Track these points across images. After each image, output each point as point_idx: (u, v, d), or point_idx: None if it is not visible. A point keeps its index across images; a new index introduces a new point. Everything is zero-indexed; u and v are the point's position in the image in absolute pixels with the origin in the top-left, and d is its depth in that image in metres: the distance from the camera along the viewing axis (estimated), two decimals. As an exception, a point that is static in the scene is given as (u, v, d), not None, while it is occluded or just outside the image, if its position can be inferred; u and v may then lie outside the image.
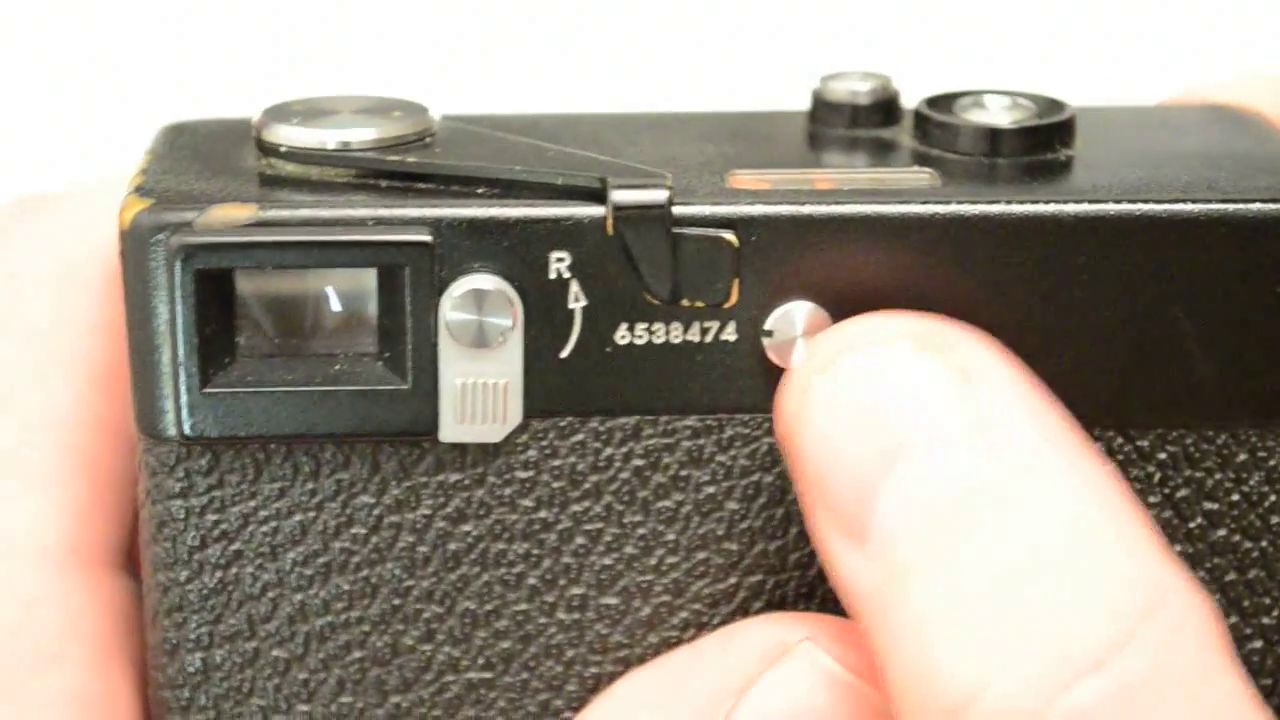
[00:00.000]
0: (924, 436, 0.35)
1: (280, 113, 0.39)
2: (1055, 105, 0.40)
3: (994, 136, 0.39)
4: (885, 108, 0.41)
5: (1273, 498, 0.39)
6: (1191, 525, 0.39)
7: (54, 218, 0.43)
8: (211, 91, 0.67)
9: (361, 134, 0.38)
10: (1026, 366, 0.36)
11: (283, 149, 0.38)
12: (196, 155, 0.40)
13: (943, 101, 0.41)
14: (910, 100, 0.41)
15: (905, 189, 0.38)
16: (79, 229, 0.42)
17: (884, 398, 0.35)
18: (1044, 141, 0.39)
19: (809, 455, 0.36)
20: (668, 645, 0.40)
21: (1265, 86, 0.44)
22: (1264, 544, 0.39)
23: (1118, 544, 0.34)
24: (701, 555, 0.39)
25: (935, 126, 0.40)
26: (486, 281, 0.37)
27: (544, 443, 0.38)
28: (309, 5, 0.67)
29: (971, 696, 0.33)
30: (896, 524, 0.35)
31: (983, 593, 0.34)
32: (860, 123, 0.41)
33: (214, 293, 0.37)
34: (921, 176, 0.39)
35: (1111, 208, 0.37)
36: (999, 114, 0.40)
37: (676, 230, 0.37)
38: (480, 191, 0.38)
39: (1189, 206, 0.37)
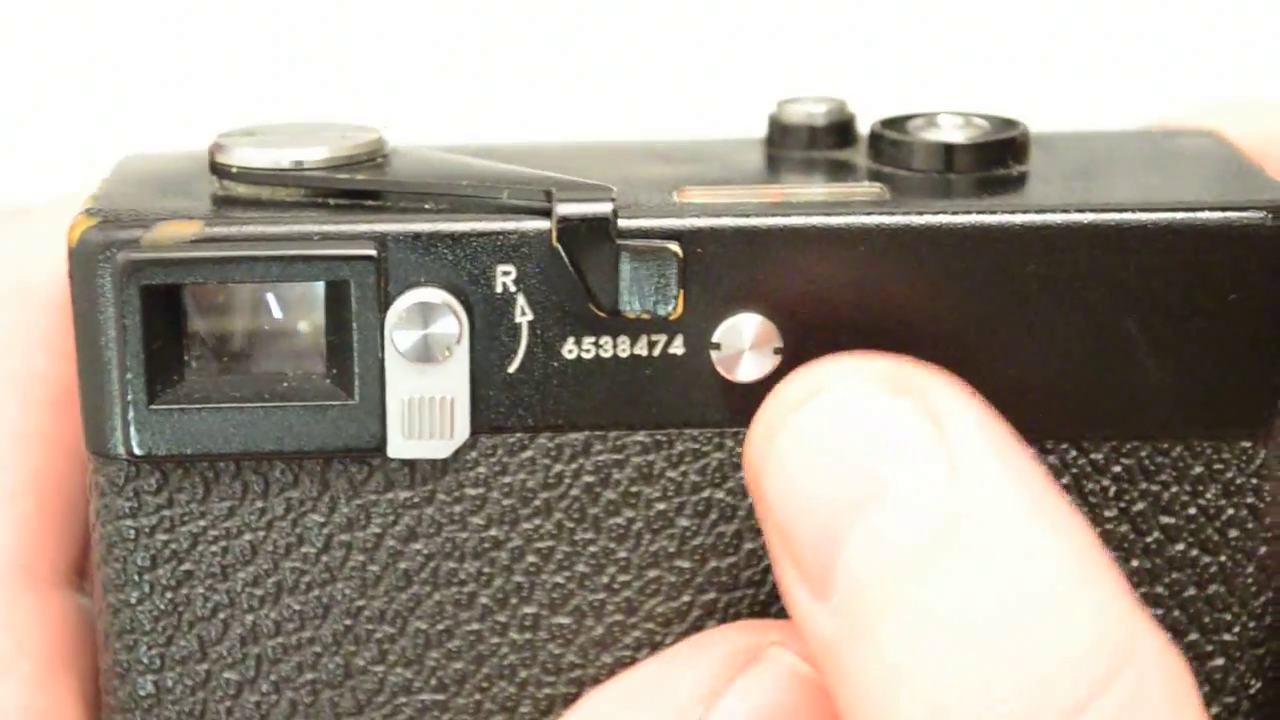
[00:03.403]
0: (890, 484, 0.34)
1: (234, 136, 0.39)
2: (1008, 123, 0.40)
3: (947, 152, 0.39)
4: (841, 129, 0.41)
5: (1230, 511, 0.39)
6: (1149, 539, 0.39)
7: (11, 236, 0.43)
8: (211, 92, 0.67)
9: (313, 153, 0.38)
10: (993, 410, 0.35)
11: (235, 169, 0.38)
12: (150, 180, 0.40)
13: (897, 122, 0.41)
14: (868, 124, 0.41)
15: (853, 201, 0.38)
16: (36, 247, 0.42)
17: (853, 442, 0.34)
18: (996, 157, 0.39)
19: (775, 501, 0.35)
20: (621, 665, 0.39)
21: (1242, 111, 0.44)
22: (1223, 558, 0.39)
23: (1089, 594, 0.33)
24: (653, 573, 0.39)
25: (889, 145, 0.40)
26: (432, 295, 0.37)
27: (493, 459, 0.38)
28: (309, 6, 0.67)
29: None
30: (862, 573, 0.33)
31: (952, 644, 0.32)
32: (816, 144, 0.41)
33: (161, 309, 0.37)
34: (872, 189, 0.38)
35: (1060, 217, 0.37)
36: (952, 132, 0.40)
37: (621, 243, 0.37)
38: (427, 207, 0.38)
39: (1139, 216, 0.37)
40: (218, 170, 0.39)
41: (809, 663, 0.37)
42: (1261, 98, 0.48)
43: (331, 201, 0.38)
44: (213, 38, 0.67)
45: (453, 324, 0.37)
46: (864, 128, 0.42)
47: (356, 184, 0.38)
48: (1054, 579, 0.33)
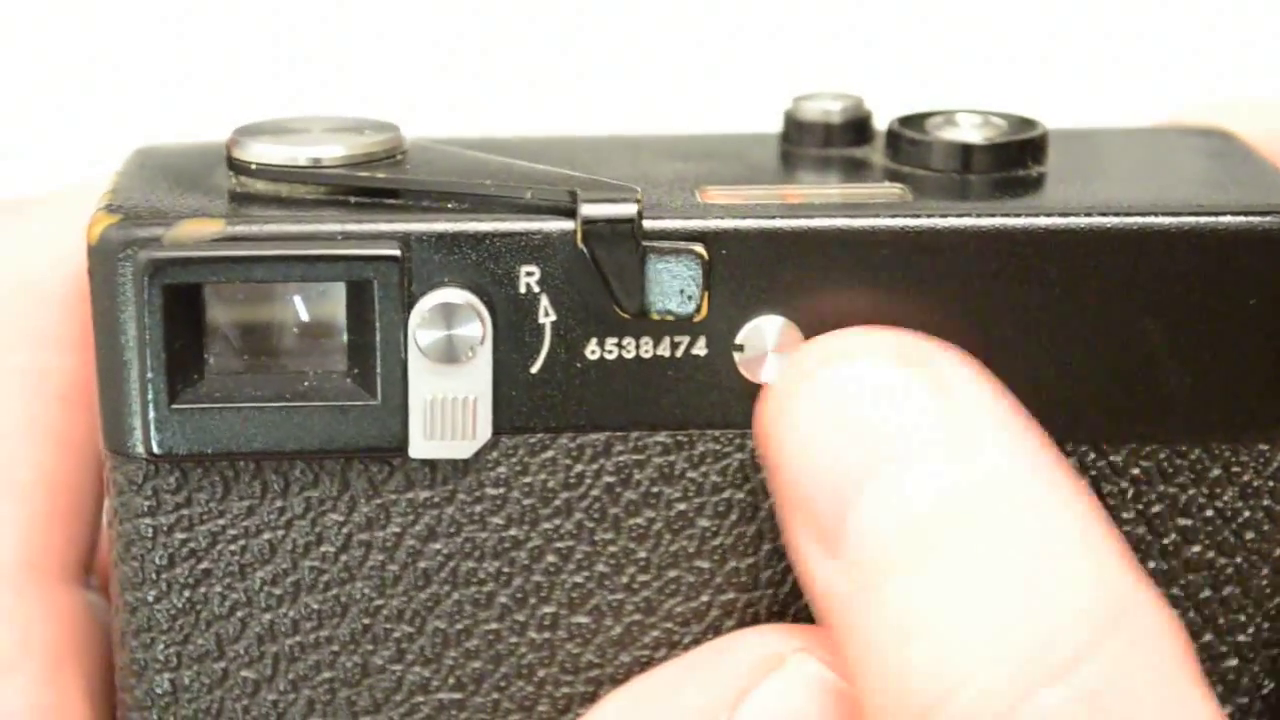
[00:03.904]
0: (902, 449, 0.35)
1: (251, 131, 0.39)
2: (1027, 123, 0.40)
3: (966, 152, 0.39)
4: (857, 127, 0.41)
5: (1246, 513, 0.39)
6: (1165, 541, 0.39)
7: (14, 229, 0.43)
8: (212, 92, 0.67)
9: (332, 151, 0.38)
10: (1000, 382, 0.36)
11: (253, 166, 0.38)
12: (166, 174, 0.40)
13: (915, 120, 0.41)
14: (883, 122, 0.41)
15: (876, 203, 0.38)
16: (40, 241, 0.42)
17: (864, 409, 0.35)
18: (1015, 158, 0.39)
19: (788, 463, 0.36)
20: (639, 665, 0.39)
21: (1249, 111, 0.44)
22: (1238, 560, 0.39)
23: (1084, 557, 0.34)
24: (673, 573, 0.39)
25: (907, 144, 0.40)
26: (456, 296, 0.37)
27: (514, 459, 0.38)
28: (309, 6, 0.67)
29: (943, 697, 0.34)
30: (872, 533, 0.35)
31: (954, 600, 0.34)
32: (833, 142, 0.41)
33: (182, 308, 0.37)
34: (893, 191, 0.38)
35: (1082, 221, 0.37)
36: (970, 131, 0.40)
37: (646, 244, 0.37)
38: (450, 206, 0.38)
39: (1160, 220, 0.37)
40: (235, 166, 0.38)
41: (835, 670, 0.37)
42: (1268, 96, 0.48)
43: (352, 199, 0.38)
44: (213, 37, 0.67)
45: (476, 325, 0.37)
46: (877, 124, 0.42)
47: (377, 182, 0.38)
48: (1051, 544, 0.34)
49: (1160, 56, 0.67)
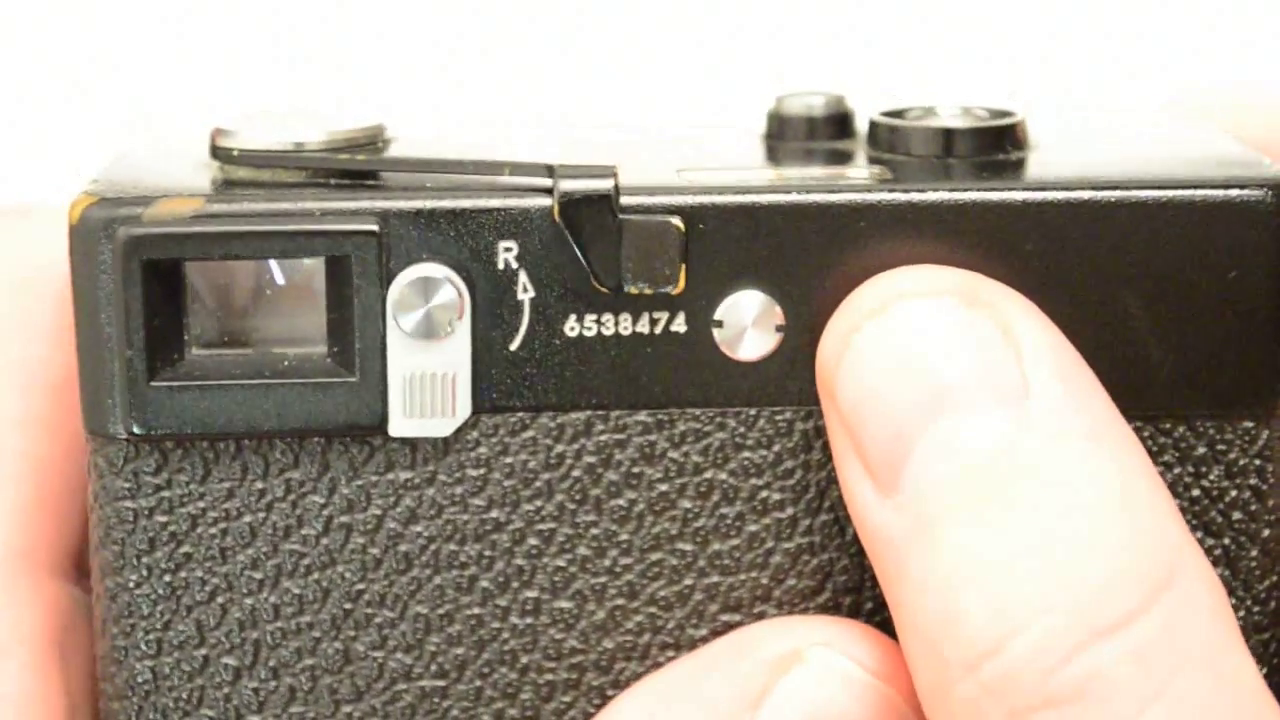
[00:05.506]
0: (965, 393, 0.35)
1: (234, 120, 0.39)
2: (1005, 113, 0.40)
3: (946, 137, 0.39)
4: (840, 121, 0.42)
5: (1234, 493, 0.38)
6: None
7: (12, 231, 0.43)
8: (211, 92, 0.67)
9: (314, 135, 0.38)
10: (1055, 327, 0.36)
11: (236, 152, 0.38)
12: (151, 165, 0.40)
13: (895, 113, 0.41)
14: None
15: (855, 179, 0.38)
16: (39, 240, 0.42)
17: (929, 351, 0.35)
18: (995, 143, 0.39)
19: (848, 398, 0.36)
20: (623, 650, 0.39)
21: (1230, 98, 0.44)
22: (1226, 541, 0.39)
23: (1141, 513, 0.34)
24: (655, 556, 0.39)
25: (888, 131, 0.40)
26: (434, 271, 0.37)
27: (494, 439, 0.38)
28: (309, 5, 0.67)
29: (997, 644, 0.34)
30: (932, 476, 0.35)
31: (1011, 550, 0.34)
32: (815, 135, 0.41)
33: (162, 285, 0.37)
34: (873, 170, 0.38)
35: (1059, 194, 0.37)
36: (951, 120, 0.40)
37: (623, 218, 0.37)
38: (429, 185, 0.37)
39: (1139, 193, 0.37)
40: (219, 154, 0.39)
41: (855, 662, 0.37)
42: (1258, 84, 0.48)
43: (333, 181, 0.38)
44: (213, 38, 0.67)
45: (454, 299, 0.37)
46: (860, 125, 0.42)
47: (357, 164, 0.38)
48: (1110, 498, 0.34)
49: (1160, 56, 0.67)
